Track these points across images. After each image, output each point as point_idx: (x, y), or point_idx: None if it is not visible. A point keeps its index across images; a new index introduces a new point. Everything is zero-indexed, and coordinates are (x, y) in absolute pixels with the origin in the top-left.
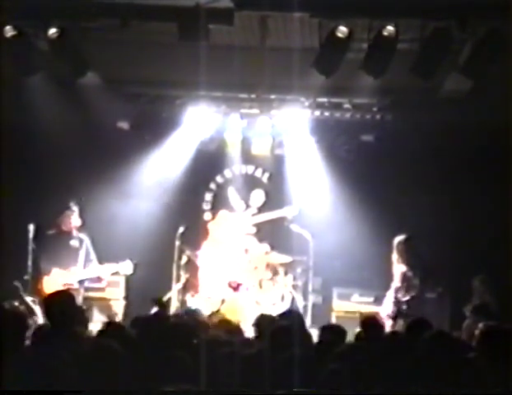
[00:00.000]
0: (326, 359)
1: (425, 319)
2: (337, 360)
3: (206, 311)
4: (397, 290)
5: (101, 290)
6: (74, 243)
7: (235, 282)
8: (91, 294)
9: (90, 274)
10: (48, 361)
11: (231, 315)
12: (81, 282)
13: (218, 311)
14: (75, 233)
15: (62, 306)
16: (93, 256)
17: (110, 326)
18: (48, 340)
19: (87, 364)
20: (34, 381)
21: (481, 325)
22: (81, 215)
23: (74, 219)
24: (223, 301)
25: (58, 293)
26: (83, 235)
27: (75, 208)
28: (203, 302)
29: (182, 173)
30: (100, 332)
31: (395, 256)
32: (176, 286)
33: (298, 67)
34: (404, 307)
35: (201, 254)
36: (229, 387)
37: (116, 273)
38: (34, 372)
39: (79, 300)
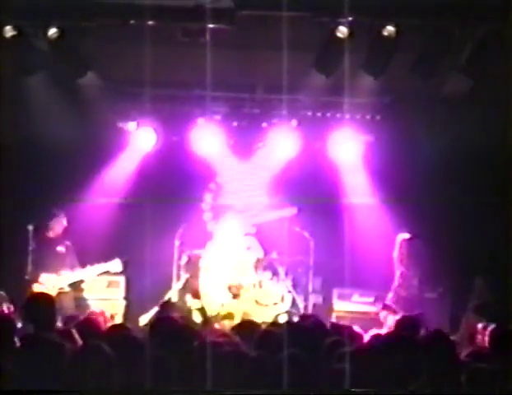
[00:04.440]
0: (329, 359)
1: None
2: (341, 361)
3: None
4: (396, 288)
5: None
6: (60, 249)
7: (236, 287)
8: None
9: (79, 276)
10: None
11: (230, 320)
12: (72, 285)
13: (217, 315)
14: (60, 238)
15: (42, 308)
16: (77, 264)
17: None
18: (32, 342)
19: (77, 365)
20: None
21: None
22: (71, 218)
23: (61, 225)
24: (222, 305)
25: (36, 296)
26: (68, 242)
27: (61, 214)
28: (205, 304)
29: (182, 173)
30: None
31: (396, 253)
32: (176, 286)
33: (298, 67)
34: (401, 305)
35: (204, 256)
36: (229, 387)
37: (106, 272)
38: (23, 373)
39: (71, 303)
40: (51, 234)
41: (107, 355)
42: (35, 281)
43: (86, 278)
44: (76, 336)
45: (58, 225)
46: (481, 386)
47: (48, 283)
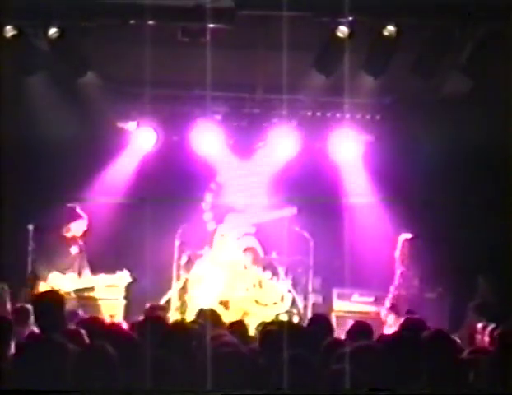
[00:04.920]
0: (329, 360)
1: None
2: (341, 361)
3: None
4: (395, 288)
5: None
6: (74, 250)
7: (225, 302)
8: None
9: (87, 283)
10: (38, 362)
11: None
12: (77, 291)
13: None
14: (76, 239)
15: (51, 307)
16: (87, 265)
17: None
18: (39, 341)
19: (80, 366)
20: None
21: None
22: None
23: (79, 226)
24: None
25: (46, 294)
26: (81, 243)
27: (83, 214)
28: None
29: (182, 173)
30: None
31: (398, 252)
32: (176, 286)
33: (298, 67)
34: (401, 305)
35: (193, 272)
36: (230, 387)
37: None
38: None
39: (76, 303)
40: (69, 234)
41: (111, 356)
42: (43, 280)
43: (94, 286)
44: (85, 336)
45: (79, 227)
46: (482, 386)
47: (56, 284)
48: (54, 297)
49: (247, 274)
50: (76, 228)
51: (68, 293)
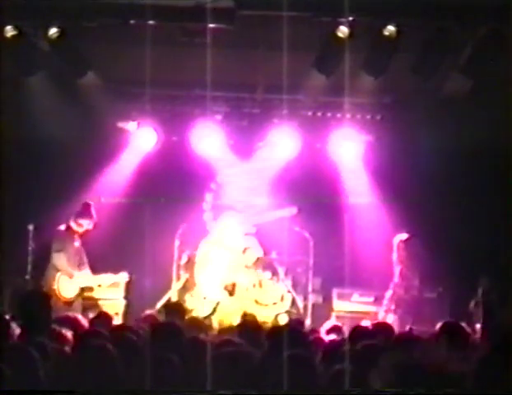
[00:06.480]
0: (331, 359)
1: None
2: (342, 361)
3: (201, 312)
4: (395, 288)
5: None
6: (77, 243)
7: (231, 285)
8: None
9: (87, 282)
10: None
11: (226, 318)
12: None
13: (212, 313)
14: (78, 234)
15: (37, 306)
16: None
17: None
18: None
19: (79, 364)
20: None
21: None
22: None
23: (87, 224)
24: (218, 304)
25: (32, 293)
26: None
27: (94, 214)
28: (199, 302)
29: (182, 173)
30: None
31: (395, 255)
32: (176, 286)
33: (298, 67)
34: (401, 305)
35: (198, 253)
36: (229, 387)
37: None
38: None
39: (78, 305)
40: (76, 227)
41: (112, 356)
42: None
43: (95, 285)
44: (69, 335)
45: (86, 224)
46: (481, 385)
47: (61, 281)
48: (41, 298)
49: (248, 258)
50: (84, 224)
51: (71, 299)
